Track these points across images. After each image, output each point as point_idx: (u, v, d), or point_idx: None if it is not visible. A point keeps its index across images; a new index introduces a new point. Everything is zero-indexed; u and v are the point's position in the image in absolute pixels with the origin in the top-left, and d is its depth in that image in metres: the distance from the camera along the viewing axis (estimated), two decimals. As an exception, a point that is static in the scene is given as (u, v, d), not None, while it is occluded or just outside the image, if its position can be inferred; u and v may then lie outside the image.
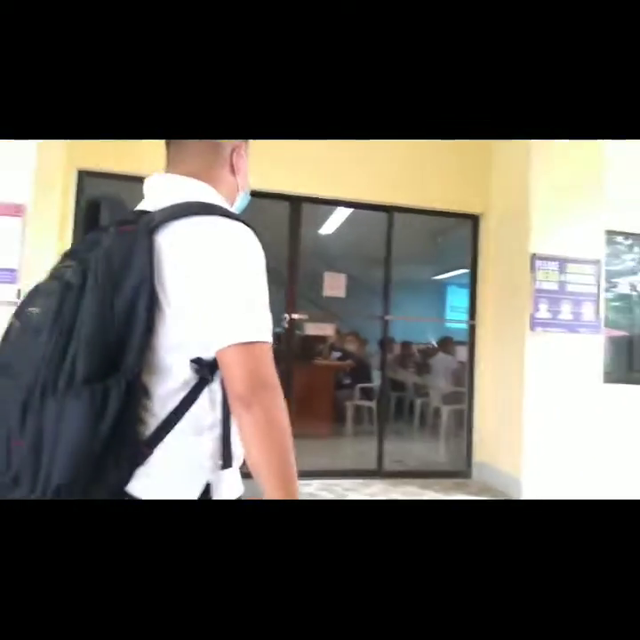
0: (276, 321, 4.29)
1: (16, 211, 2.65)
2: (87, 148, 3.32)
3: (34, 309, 0.77)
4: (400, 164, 4.01)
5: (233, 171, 0.95)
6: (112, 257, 0.75)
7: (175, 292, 0.77)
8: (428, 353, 6.60)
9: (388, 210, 4.14)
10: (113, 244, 0.76)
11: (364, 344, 6.19)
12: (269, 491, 0.75)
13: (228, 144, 0.93)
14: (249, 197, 1.02)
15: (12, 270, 2.68)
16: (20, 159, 2.72)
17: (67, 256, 0.85)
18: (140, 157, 3.37)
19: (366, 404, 5.33)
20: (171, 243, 0.78)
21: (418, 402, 5.79)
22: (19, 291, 2.72)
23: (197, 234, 0.79)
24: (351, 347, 6.08)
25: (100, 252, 0.76)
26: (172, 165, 0.91)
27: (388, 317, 4.25)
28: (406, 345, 6.88)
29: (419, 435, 5.58)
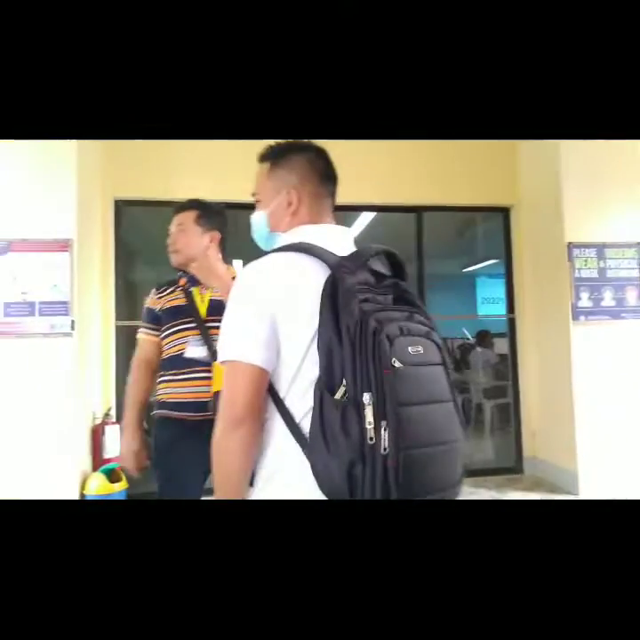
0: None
1: (63, 246, 2.75)
2: (121, 176, 3.42)
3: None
4: (425, 162, 4.00)
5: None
6: None
7: None
8: (465, 348, 6.54)
9: (417, 210, 4.13)
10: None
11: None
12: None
13: None
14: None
15: (65, 303, 2.78)
16: (62, 194, 2.81)
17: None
18: (171, 184, 3.47)
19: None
20: None
21: (458, 399, 5.73)
22: (72, 322, 2.82)
23: None
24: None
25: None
26: (330, 218, 1.03)
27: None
28: (443, 341, 6.78)
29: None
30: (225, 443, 0.86)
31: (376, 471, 0.77)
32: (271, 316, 0.86)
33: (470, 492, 3.66)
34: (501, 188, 4.15)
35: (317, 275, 0.85)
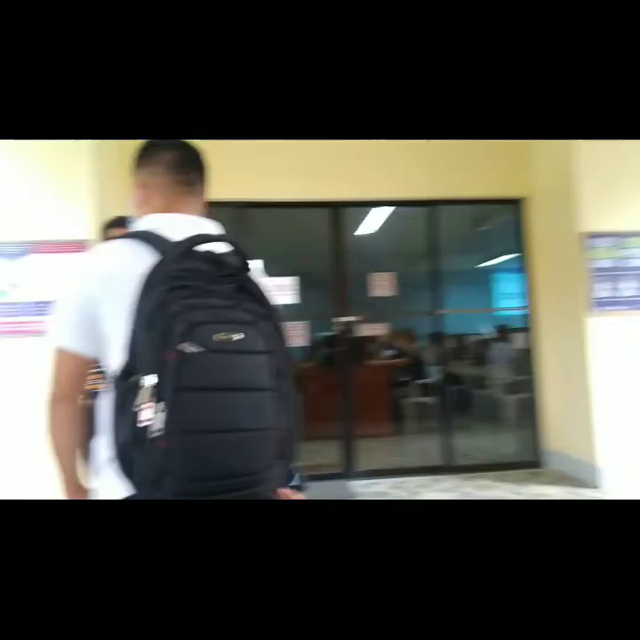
0: (327, 325, 4.36)
1: (81, 247, 2.82)
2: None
3: None
4: (437, 156, 3.99)
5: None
6: None
7: None
8: (484, 343, 6.48)
9: (430, 204, 4.12)
10: None
11: (415, 340, 6.17)
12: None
13: None
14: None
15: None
16: (78, 197, 2.87)
17: None
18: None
19: (424, 399, 5.30)
20: None
21: (478, 394, 5.70)
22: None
23: None
24: (403, 344, 6.06)
25: None
26: (187, 207, 1.06)
27: (439, 312, 4.23)
28: (460, 337, 6.79)
29: (482, 427, 5.48)
30: (46, 419, 0.98)
31: (149, 453, 0.77)
32: (90, 303, 0.90)
33: (491, 485, 3.63)
34: (515, 179, 4.11)
35: (146, 261, 0.86)
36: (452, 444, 4.11)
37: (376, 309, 4.54)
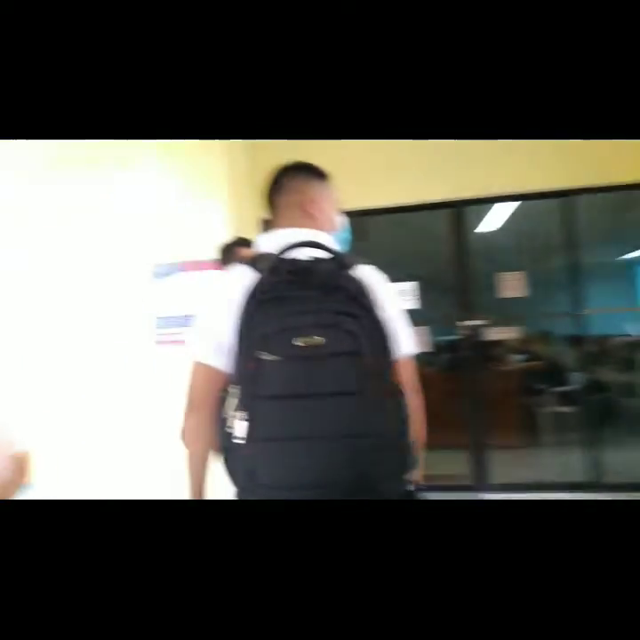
0: (449, 330, 4.16)
1: (217, 266, 2.98)
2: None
3: None
4: (572, 142, 3.62)
5: None
6: None
7: None
8: (631, 346, 5.77)
9: (565, 194, 3.75)
10: None
11: (552, 344, 5.65)
12: None
13: None
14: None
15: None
16: (215, 218, 3.06)
17: None
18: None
19: (563, 409, 4.83)
20: None
21: (626, 403, 5.07)
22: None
23: None
24: (538, 348, 5.59)
25: None
26: (290, 222, 1.14)
27: (582, 312, 3.82)
28: (603, 339, 6.10)
29: (633, 440, 4.86)
30: (181, 427, 1.03)
31: (236, 459, 0.84)
32: (217, 321, 0.96)
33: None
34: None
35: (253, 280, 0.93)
36: (599, 459, 3.68)
37: (505, 312, 4.24)
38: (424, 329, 3.83)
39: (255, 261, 0.96)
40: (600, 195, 3.89)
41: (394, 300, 1.03)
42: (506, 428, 4.46)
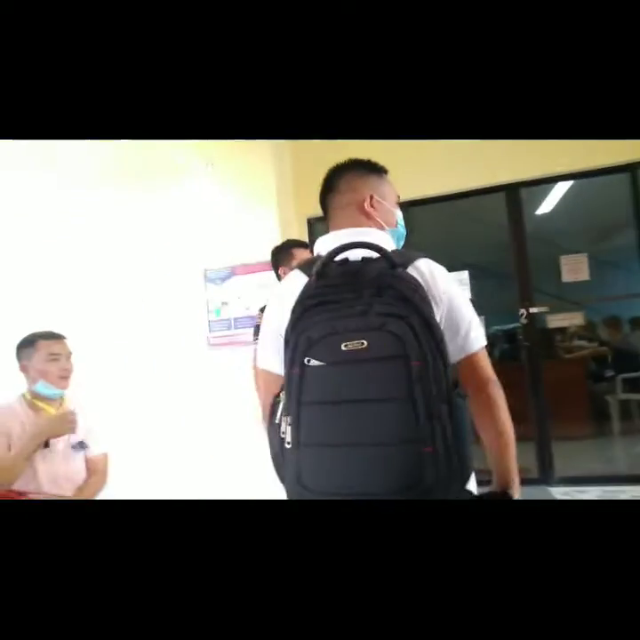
0: (507, 318, 3.99)
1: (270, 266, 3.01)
2: (312, 195, 3.59)
3: None
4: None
5: None
6: None
7: None
8: None
9: (632, 168, 3.50)
10: None
11: (621, 328, 5.31)
12: None
13: None
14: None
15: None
16: (266, 222, 3.10)
17: None
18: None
19: (633, 396, 4.55)
20: None
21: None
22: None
23: None
24: (606, 333, 5.28)
25: None
26: (341, 223, 1.11)
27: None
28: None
29: None
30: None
31: (287, 463, 0.85)
32: (276, 328, 0.97)
33: None
34: None
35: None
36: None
37: (568, 296, 4.02)
38: (480, 319, 3.69)
39: (307, 265, 0.97)
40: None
41: (456, 291, 0.97)
42: (570, 418, 4.25)
